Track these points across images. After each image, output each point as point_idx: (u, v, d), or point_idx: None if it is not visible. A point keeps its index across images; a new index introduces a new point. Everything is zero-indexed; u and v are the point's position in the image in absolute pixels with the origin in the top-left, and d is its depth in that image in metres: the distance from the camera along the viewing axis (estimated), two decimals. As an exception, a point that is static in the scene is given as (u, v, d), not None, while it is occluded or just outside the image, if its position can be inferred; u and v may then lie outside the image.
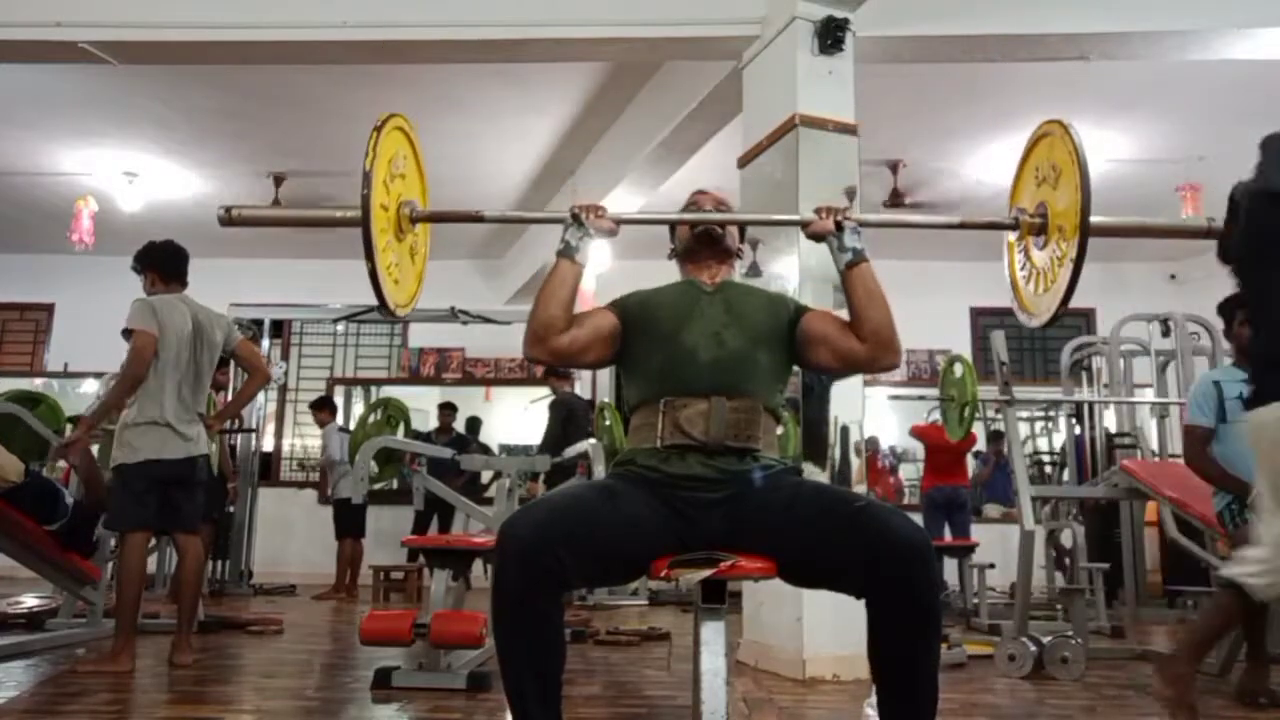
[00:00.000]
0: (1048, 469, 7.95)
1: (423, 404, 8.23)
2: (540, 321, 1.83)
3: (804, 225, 1.92)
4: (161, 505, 3.52)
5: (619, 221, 1.92)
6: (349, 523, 7.00)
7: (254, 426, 7.57)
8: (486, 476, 7.03)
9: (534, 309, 1.84)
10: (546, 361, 1.91)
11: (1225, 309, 3.45)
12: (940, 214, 7.51)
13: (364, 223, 1.77)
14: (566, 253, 1.89)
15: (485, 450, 7.73)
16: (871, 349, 1.81)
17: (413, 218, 1.94)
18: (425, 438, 7.38)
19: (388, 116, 1.86)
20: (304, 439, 8.83)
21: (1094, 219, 1.75)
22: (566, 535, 1.55)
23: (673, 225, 2.06)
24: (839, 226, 1.87)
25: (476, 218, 2.02)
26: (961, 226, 2.01)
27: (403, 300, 1.96)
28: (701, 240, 1.96)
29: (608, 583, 1.77)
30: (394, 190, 1.89)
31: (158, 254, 3.72)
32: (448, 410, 7.75)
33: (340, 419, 7.99)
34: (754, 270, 3.92)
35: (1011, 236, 2.04)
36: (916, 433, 7.08)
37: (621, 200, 6.52)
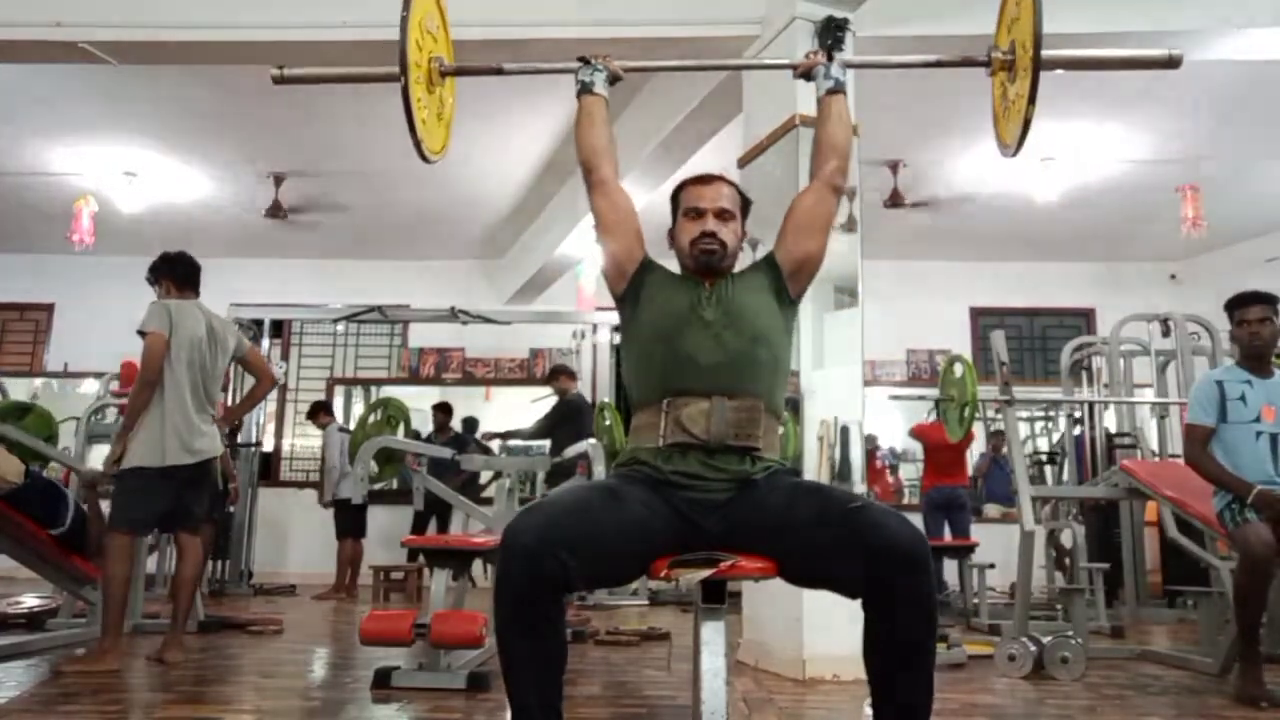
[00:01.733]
0: (1046, 467, 7.94)
1: (423, 404, 8.22)
2: (584, 151, 2.03)
3: (795, 66, 2.17)
4: (171, 507, 3.59)
5: (626, 68, 2.12)
6: (349, 523, 7.00)
7: (257, 441, 7.59)
8: (485, 476, 7.04)
9: (577, 147, 2.05)
10: (601, 185, 2.01)
11: (1227, 310, 3.43)
12: (942, 214, 7.60)
13: (400, 49, 1.90)
14: (585, 90, 2.07)
15: (484, 450, 7.73)
16: (835, 165, 2.01)
17: (442, 71, 2.10)
18: (426, 439, 7.39)
19: None
20: (305, 439, 8.83)
21: (1050, 52, 1.91)
22: (570, 538, 1.55)
23: (675, 197, 2.06)
24: (830, 56, 2.11)
25: (498, 70, 2.18)
26: (939, 65, 2.18)
27: (434, 148, 2.12)
28: (699, 263, 1.95)
29: (610, 584, 1.77)
30: (425, 43, 2.04)
31: (172, 264, 3.82)
32: (443, 411, 7.74)
33: (340, 419, 7.99)
34: (754, 270, 3.92)
35: (986, 74, 2.17)
36: (916, 433, 7.08)
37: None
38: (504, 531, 1.58)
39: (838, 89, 2.08)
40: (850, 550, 1.57)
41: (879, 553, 1.53)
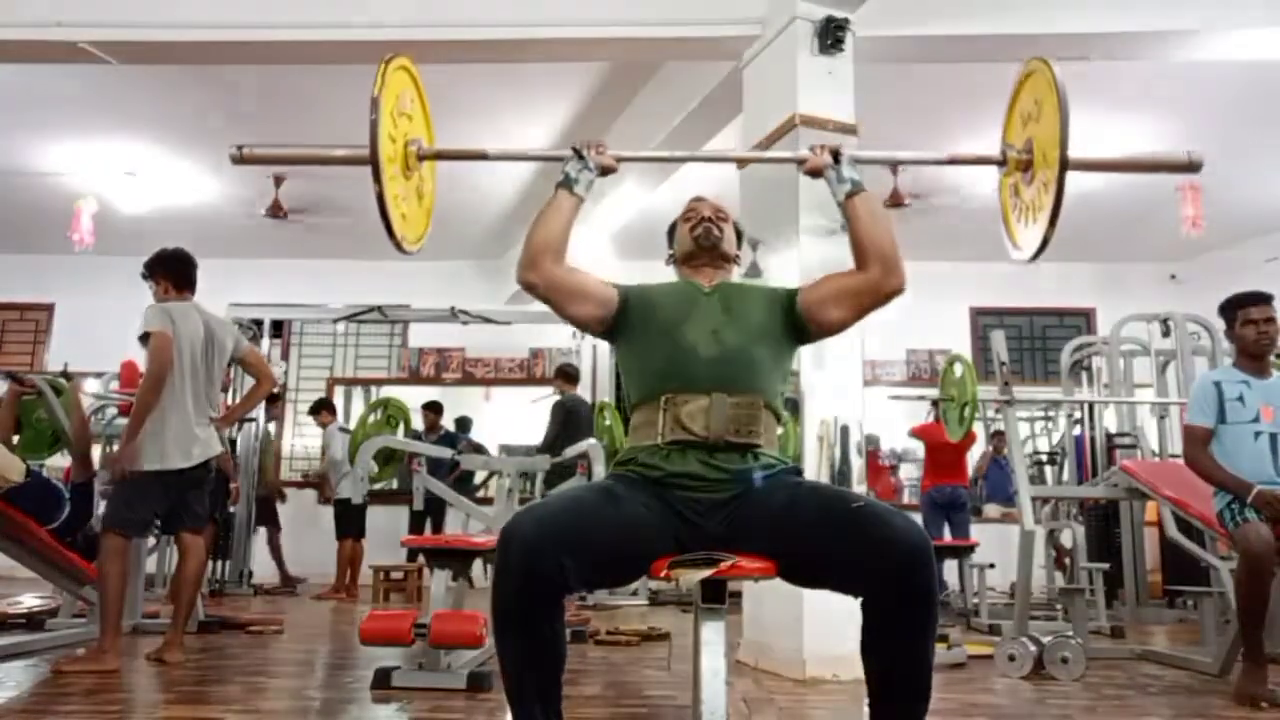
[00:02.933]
0: (1046, 467, 7.94)
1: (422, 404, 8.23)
2: (534, 244, 1.88)
3: (800, 162, 2.00)
4: (171, 508, 3.59)
5: (619, 159, 1.97)
6: (349, 523, 6.99)
7: (254, 416, 7.55)
8: (479, 476, 7.04)
9: (528, 234, 1.90)
10: (536, 287, 1.88)
11: (1226, 310, 3.44)
12: (942, 214, 7.59)
13: (371, 151, 1.80)
14: (566, 184, 1.93)
15: (478, 449, 7.73)
16: (880, 271, 1.85)
17: (419, 155, 1.99)
18: (416, 438, 7.38)
19: (392, 56, 1.89)
20: (305, 439, 8.83)
21: (1075, 154, 1.80)
22: (567, 540, 1.55)
23: (671, 228, 2.10)
24: (835, 158, 1.94)
25: (480, 155, 2.09)
26: (951, 162, 2.11)
27: (412, 237, 2.01)
28: (700, 244, 1.98)
29: (608, 584, 1.77)
30: (400, 127, 1.93)
31: (169, 261, 3.76)
32: (433, 410, 7.74)
33: (340, 419, 7.98)
34: (754, 270, 3.92)
35: (999, 172, 2.08)
36: (916, 433, 7.08)
37: (621, 200, 6.53)
38: (501, 531, 1.58)
39: (856, 189, 1.92)
40: (853, 548, 1.57)
41: (883, 550, 1.53)
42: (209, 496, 3.87)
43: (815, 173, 1.97)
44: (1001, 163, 2.01)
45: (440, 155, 2.06)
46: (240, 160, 1.98)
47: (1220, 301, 3.49)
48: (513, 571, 1.52)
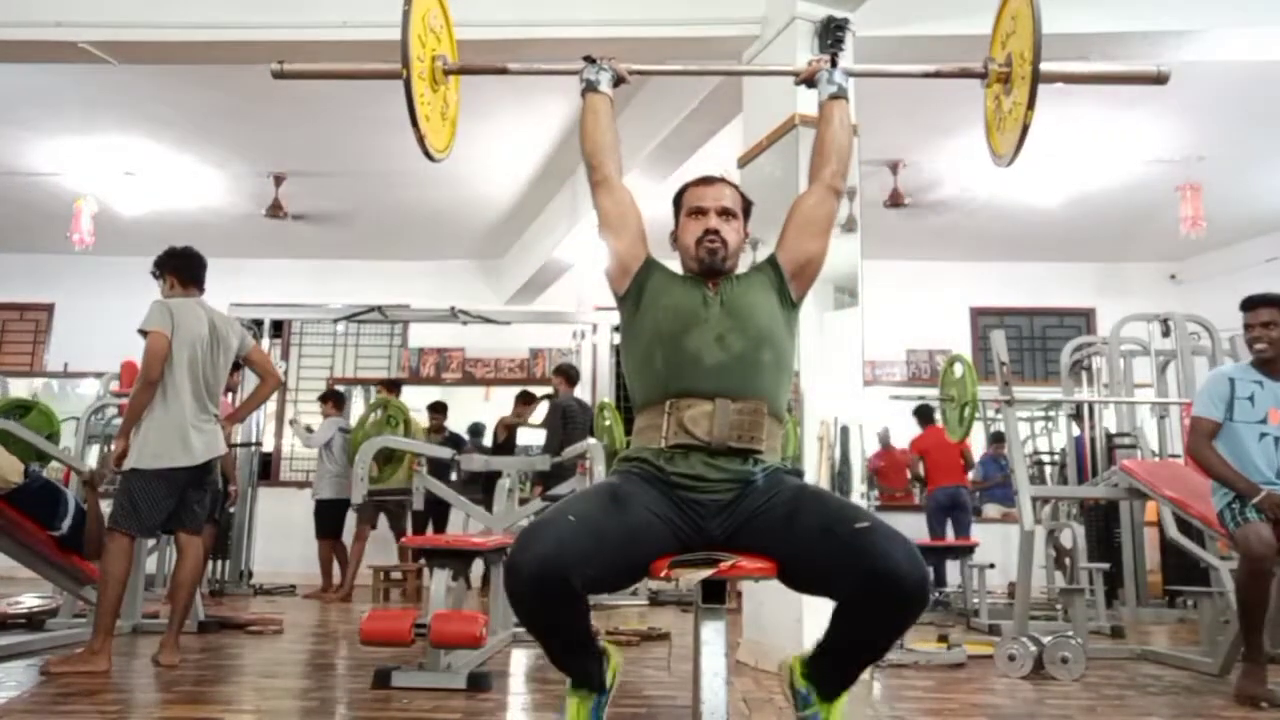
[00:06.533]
0: (1048, 469, 7.94)
1: (423, 404, 8.22)
2: (588, 148, 2.04)
3: (797, 73, 2.20)
4: (173, 507, 3.58)
5: (631, 71, 2.13)
6: (327, 523, 6.94)
7: (257, 441, 7.58)
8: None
9: (581, 139, 2.06)
10: (602, 183, 2.01)
11: (1241, 312, 3.35)
12: (941, 213, 7.60)
13: (404, 63, 1.90)
14: (590, 88, 2.08)
15: (484, 451, 7.72)
16: (835, 167, 2.03)
17: (445, 70, 2.10)
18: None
19: None
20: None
21: (1047, 65, 1.93)
22: (575, 559, 1.55)
23: (678, 198, 2.08)
24: (833, 62, 2.14)
25: (502, 70, 2.19)
26: (937, 75, 2.22)
27: (439, 146, 2.12)
28: (702, 265, 1.97)
29: (616, 589, 1.79)
30: (428, 44, 2.03)
31: (178, 259, 3.79)
32: (438, 410, 7.73)
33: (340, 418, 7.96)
34: (754, 270, 3.92)
35: (982, 85, 2.21)
36: (915, 446, 7.13)
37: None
38: (510, 557, 1.57)
39: (839, 95, 2.10)
40: (852, 569, 1.58)
41: (882, 584, 1.55)
42: (210, 496, 3.87)
43: (810, 81, 2.15)
44: (983, 74, 2.15)
45: (465, 70, 2.17)
46: (281, 75, 2.09)
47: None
48: (525, 592, 1.56)
